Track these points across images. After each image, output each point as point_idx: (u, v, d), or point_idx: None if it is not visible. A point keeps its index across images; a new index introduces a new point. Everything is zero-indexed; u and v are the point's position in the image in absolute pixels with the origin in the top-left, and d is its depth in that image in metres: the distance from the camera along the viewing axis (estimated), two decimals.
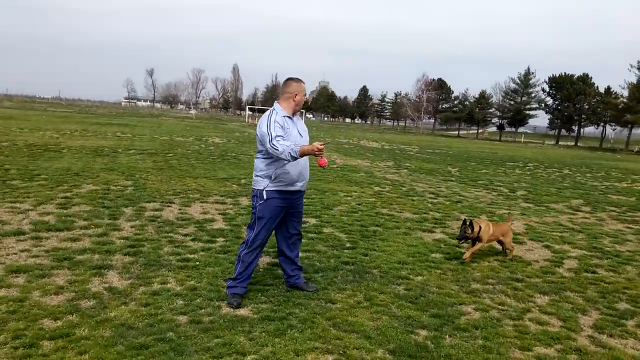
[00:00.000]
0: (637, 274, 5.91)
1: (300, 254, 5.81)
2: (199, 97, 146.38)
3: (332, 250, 6.09)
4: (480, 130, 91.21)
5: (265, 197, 4.31)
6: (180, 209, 7.80)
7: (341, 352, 3.45)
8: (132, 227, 6.50)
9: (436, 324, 4.04)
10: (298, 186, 4.43)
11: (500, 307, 4.55)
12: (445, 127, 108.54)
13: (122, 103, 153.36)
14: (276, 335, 3.62)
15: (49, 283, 4.30)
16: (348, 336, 3.71)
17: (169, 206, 7.96)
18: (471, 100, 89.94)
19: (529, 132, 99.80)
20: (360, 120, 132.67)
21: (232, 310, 4.05)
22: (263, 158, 4.33)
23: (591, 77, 75.71)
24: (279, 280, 4.82)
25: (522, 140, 75.90)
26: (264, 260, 5.50)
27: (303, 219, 7.75)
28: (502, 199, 11.35)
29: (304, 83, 4.47)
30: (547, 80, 78.67)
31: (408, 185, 12.70)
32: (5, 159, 12.04)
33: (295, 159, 4.11)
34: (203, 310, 3.99)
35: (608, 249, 7.12)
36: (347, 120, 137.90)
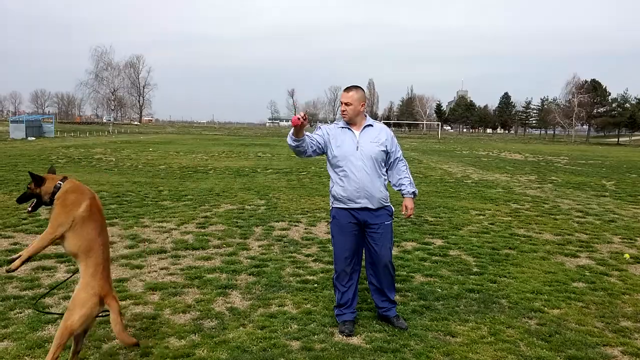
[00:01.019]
0: None
1: (422, 279, 5.60)
2: (336, 115, 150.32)
3: (456, 275, 5.75)
4: None
5: (333, 215, 4.23)
6: (306, 229, 7.98)
7: None
8: (259, 246, 6.77)
9: None
10: (362, 203, 4.09)
11: None
12: (602, 134, 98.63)
13: (266, 124, 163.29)
14: None
15: (179, 301, 4.61)
16: None
17: (295, 225, 8.18)
18: (632, 102, 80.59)
19: None
20: (502, 130, 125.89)
21: (344, 338, 3.98)
22: (330, 174, 4.27)
23: None
24: (398, 307, 4.65)
25: None
26: None
27: (429, 240, 7.53)
28: None
29: (344, 90, 4.24)
30: None
31: (551, 202, 11.65)
32: (161, 181, 13.40)
33: (293, 140, 4.01)
34: (316, 336, 3.98)
35: None
36: (488, 130, 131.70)
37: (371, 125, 4.24)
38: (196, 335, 3.89)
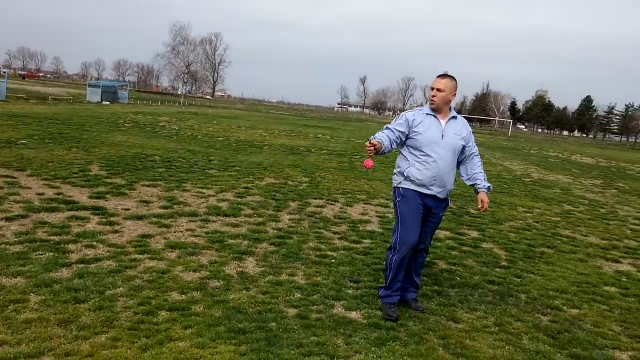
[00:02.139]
0: None
1: (444, 266, 5.49)
2: (405, 105, 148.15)
3: (481, 266, 5.58)
4: None
5: (402, 194, 4.08)
6: (341, 208, 7.98)
7: None
8: (290, 219, 6.86)
9: None
10: (433, 190, 4.05)
11: None
12: None
13: (335, 108, 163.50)
14: (375, 345, 3.44)
15: (194, 261, 4.77)
16: (453, 359, 3.35)
17: (332, 204, 8.20)
18: None
19: None
20: (579, 133, 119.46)
21: (343, 311, 3.98)
22: (402, 154, 4.19)
23: None
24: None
25: None
26: None
27: (464, 231, 7.34)
28: None
29: (438, 76, 4.14)
30: None
31: (609, 207, 11.01)
32: (215, 151, 13.78)
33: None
34: (315, 307, 4.00)
35: None
36: (565, 132, 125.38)
37: (455, 118, 4.22)
38: (198, 293, 4.02)
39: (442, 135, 4.06)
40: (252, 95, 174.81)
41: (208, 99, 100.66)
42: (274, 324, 3.60)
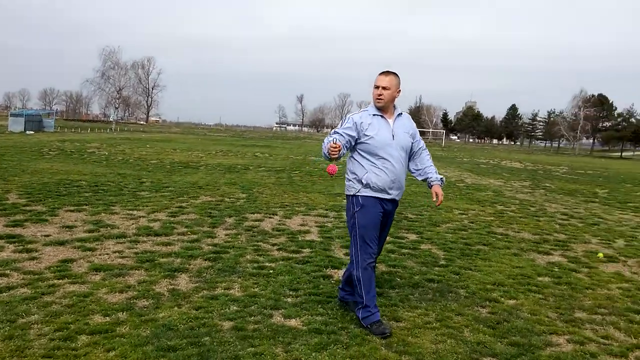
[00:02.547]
0: None
1: (384, 269, 5.44)
2: (342, 120, 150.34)
3: (420, 267, 5.58)
4: None
5: (362, 203, 3.87)
6: (280, 220, 7.83)
7: None
8: (226, 234, 6.63)
9: (510, 353, 3.40)
10: (393, 194, 3.93)
11: (602, 340, 3.72)
12: (606, 148, 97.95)
13: (274, 128, 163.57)
14: (316, 350, 3.30)
15: (120, 282, 4.47)
16: (396, 357, 3.27)
17: (270, 217, 8.03)
18: (638, 117, 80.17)
19: None
20: (508, 141, 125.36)
21: (282, 320, 3.82)
22: (356, 159, 3.95)
23: None
24: None
25: None
26: (340, 272, 5.19)
27: (403, 235, 7.37)
28: None
29: (381, 74, 3.95)
30: None
31: (539, 205, 11.45)
32: (147, 174, 13.28)
33: (327, 158, 3.73)
34: (252, 317, 3.82)
35: None
36: (494, 141, 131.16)
37: (401, 115, 4.07)
38: (124, 314, 3.74)
39: (393, 136, 3.91)
40: (189, 119, 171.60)
41: (142, 124, 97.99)
42: (207, 338, 3.39)
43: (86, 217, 7.13)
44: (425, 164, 4.19)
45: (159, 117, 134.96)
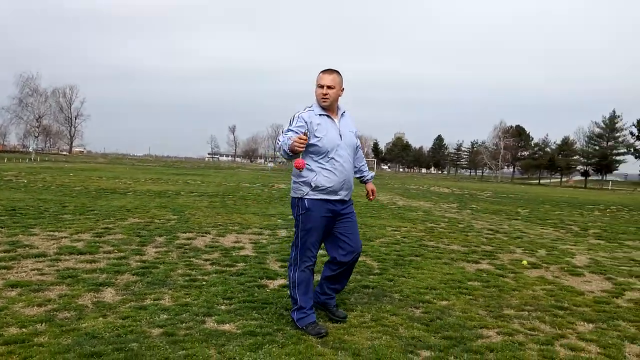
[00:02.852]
0: None
1: (317, 279, 5.40)
2: (276, 152, 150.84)
3: (355, 275, 5.59)
4: (564, 179, 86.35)
5: (307, 207, 3.78)
6: (213, 239, 7.64)
7: None
8: (156, 252, 6.37)
9: (444, 346, 3.45)
10: (342, 195, 3.88)
11: (529, 332, 3.86)
12: (525, 176, 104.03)
13: (205, 158, 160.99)
14: (250, 350, 3.21)
15: (39, 296, 4.16)
16: (333, 353, 3.23)
17: (203, 236, 7.82)
18: (552, 147, 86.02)
19: (619, 179, 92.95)
20: (435, 170, 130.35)
21: (215, 325, 3.69)
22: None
23: None
24: (282, 300, 4.42)
25: (610, 187, 70.67)
26: (276, 282, 5.12)
27: None
28: (570, 236, 10.28)
29: (324, 72, 3.84)
30: (635, 123, 73.76)
31: (466, 223, 11.89)
32: (70, 199, 12.60)
33: (288, 155, 3.58)
34: (184, 324, 3.66)
35: None
36: (423, 170, 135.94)
37: (344, 113, 4.01)
38: (43, 325, 3.47)
39: (341, 136, 3.87)
40: (116, 149, 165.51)
41: (65, 154, 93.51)
42: (135, 344, 3.20)
43: (1, 239, 6.64)
44: (361, 162, 4.29)
45: (84, 148, 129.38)
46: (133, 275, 5.09)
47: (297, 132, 3.67)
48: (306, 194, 3.80)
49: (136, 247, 6.58)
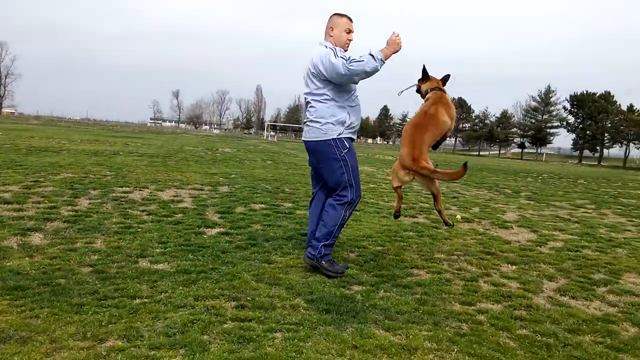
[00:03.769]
0: (626, 254, 5.31)
1: (259, 227, 5.43)
2: (222, 118, 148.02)
3: (294, 225, 5.65)
4: (503, 151, 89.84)
5: (347, 146, 3.86)
6: (151, 192, 7.47)
7: (249, 298, 3.01)
8: (89, 203, 6.17)
9: (375, 282, 3.58)
10: (356, 135, 4.07)
11: (456, 271, 4.06)
12: (467, 148, 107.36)
13: (147, 124, 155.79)
14: (184, 285, 3.20)
15: None
16: (267, 287, 3.28)
17: (140, 190, 7.63)
18: (492, 120, 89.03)
19: (552, 153, 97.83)
20: (381, 140, 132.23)
21: (148, 265, 3.65)
22: (331, 101, 3.80)
23: (613, 95, 74.18)
24: (219, 244, 4.40)
25: (544, 159, 74.30)
26: (214, 230, 5.09)
27: (279, 203, 7.43)
28: (502, 197, 10.76)
29: (349, 18, 3.96)
30: (568, 98, 77.34)
31: (407, 186, 12.17)
32: None
33: (382, 62, 3.60)
34: (116, 264, 3.60)
35: (602, 235, 6.51)
36: (369, 140, 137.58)
37: None
38: None
39: None
40: (50, 112, 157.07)
41: None
42: (62, 280, 3.13)
43: None
44: None
45: (15, 109, 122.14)
46: (64, 222, 4.93)
47: (348, 57, 3.66)
48: (341, 133, 3.84)
49: (68, 199, 6.34)
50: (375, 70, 3.62)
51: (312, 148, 3.93)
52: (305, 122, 3.97)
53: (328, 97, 3.80)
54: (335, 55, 3.69)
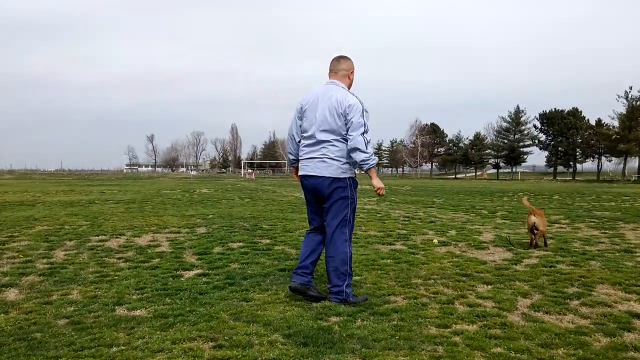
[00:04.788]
0: (599, 266, 5.46)
1: (237, 266, 5.44)
2: (199, 159, 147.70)
3: (273, 261, 5.68)
4: (479, 172, 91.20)
5: (356, 184, 4.11)
6: (127, 239, 7.43)
7: (227, 338, 3.02)
8: (65, 255, 6.12)
9: (352, 311, 3.62)
10: None
11: (433, 295, 4.13)
12: (443, 172, 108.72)
13: (124, 170, 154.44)
14: (161, 329, 3.20)
15: None
16: (244, 325, 3.30)
17: (117, 238, 7.59)
18: (465, 142, 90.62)
19: (527, 171, 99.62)
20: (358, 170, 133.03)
21: (125, 312, 3.63)
22: (342, 143, 3.95)
23: (581, 111, 76.44)
24: (197, 286, 4.41)
25: (519, 178, 75.55)
26: (192, 272, 5.09)
27: (257, 240, 7.45)
28: (479, 219, 10.94)
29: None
30: (537, 116, 79.36)
31: (384, 212, 12.31)
32: None
33: (367, 168, 3.95)
34: (92, 313, 3.58)
35: (576, 249, 6.68)
36: None
37: None
38: None
39: None
40: (24, 165, 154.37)
41: None
42: (39, 334, 3.10)
43: None
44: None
45: None
46: (39, 276, 4.88)
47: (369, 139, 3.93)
48: (350, 172, 4.05)
49: (43, 252, 6.29)
50: (363, 162, 3.87)
51: (324, 184, 3.96)
52: (313, 158, 4.01)
53: (346, 139, 3.94)
54: (362, 114, 3.92)
